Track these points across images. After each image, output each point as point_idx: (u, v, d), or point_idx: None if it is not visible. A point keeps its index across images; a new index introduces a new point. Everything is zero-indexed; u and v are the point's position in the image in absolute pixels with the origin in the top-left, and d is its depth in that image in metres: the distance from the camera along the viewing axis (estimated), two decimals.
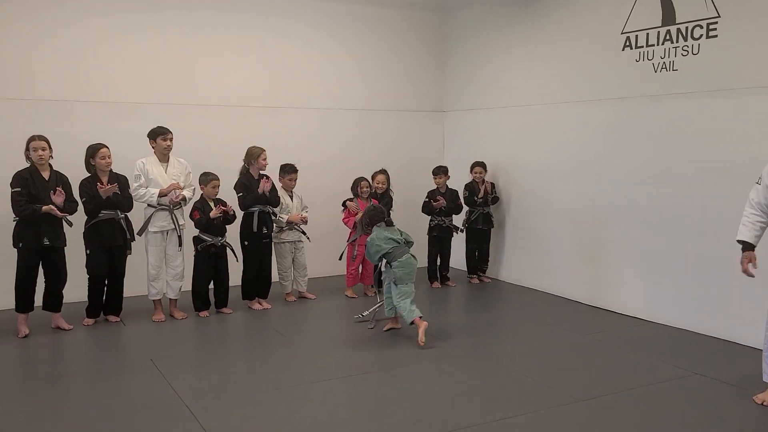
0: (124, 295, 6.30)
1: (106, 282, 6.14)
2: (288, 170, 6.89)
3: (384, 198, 7.32)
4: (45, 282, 5.86)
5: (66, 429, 3.97)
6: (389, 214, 7.27)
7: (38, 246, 5.65)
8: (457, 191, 7.76)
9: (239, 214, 6.58)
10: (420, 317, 5.54)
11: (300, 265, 7.06)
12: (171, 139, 6.23)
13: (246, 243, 6.59)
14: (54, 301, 5.92)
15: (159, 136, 6.19)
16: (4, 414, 4.19)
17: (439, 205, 7.52)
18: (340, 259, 7.16)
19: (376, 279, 6.47)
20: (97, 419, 4.09)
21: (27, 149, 5.69)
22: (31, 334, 5.74)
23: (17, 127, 6.29)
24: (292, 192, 6.98)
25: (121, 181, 6.10)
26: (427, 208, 7.64)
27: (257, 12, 7.71)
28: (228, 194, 6.57)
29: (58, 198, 5.63)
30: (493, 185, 7.91)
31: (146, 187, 6.12)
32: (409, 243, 5.90)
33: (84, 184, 5.94)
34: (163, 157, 6.25)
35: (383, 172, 7.41)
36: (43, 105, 6.70)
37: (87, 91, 6.91)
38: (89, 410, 4.24)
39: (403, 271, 5.69)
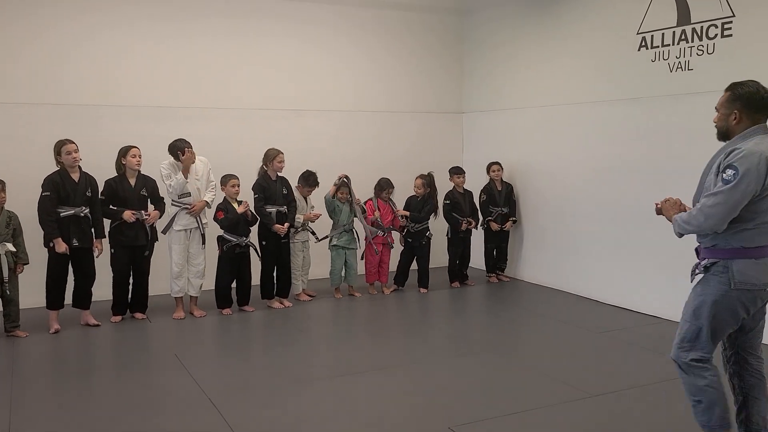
0: (150, 293, 6.49)
1: (132, 280, 6.33)
2: (311, 182, 7.02)
3: (426, 204, 7.37)
4: (75, 280, 6.08)
5: (95, 419, 4.14)
6: (427, 218, 7.36)
7: (67, 246, 5.85)
8: (471, 192, 7.83)
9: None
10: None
11: (306, 263, 7.17)
12: (192, 152, 6.31)
13: (264, 243, 6.74)
14: (83, 298, 6.12)
15: (178, 150, 6.27)
16: (36, 404, 4.38)
17: (471, 226, 7.63)
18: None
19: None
20: (124, 410, 4.26)
21: (57, 153, 5.86)
22: (62, 330, 5.95)
23: (50, 131, 6.47)
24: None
25: (150, 183, 6.29)
26: (453, 219, 7.57)
27: (279, 19, 7.88)
28: (248, 195, 6.71)
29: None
30: (510, 187, 7.97)
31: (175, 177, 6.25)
32: None
33: (109, 184, 6.13)
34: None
35: (421, 176, 7.44)
36: (73, 110, 6.93)
37: (117, 96, 7.13)
38: (117, 402, 4.41)
39: None
